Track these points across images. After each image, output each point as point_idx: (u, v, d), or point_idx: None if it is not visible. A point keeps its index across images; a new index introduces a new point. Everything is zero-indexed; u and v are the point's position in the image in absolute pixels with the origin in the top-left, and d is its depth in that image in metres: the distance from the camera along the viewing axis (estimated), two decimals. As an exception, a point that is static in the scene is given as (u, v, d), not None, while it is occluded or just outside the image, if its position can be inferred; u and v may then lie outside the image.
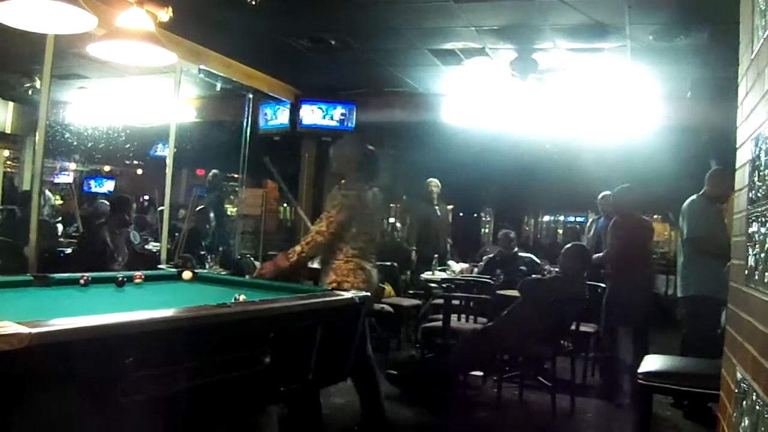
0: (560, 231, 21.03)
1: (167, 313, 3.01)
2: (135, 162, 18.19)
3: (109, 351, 2.62)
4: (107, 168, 19.04)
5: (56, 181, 17.17)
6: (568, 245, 6.85)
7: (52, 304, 3.59)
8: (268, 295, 4.12)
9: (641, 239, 7.28)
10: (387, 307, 8.17)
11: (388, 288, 9.08)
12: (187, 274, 4.86)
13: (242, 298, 3.58)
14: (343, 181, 5.41)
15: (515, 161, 12.59)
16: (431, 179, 10.67)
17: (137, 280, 4.45)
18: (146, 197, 16.73)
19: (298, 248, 5.10)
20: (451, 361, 6.49)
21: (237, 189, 12.87)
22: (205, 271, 5.15)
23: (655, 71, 8.83)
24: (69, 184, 17.17)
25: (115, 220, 7.71)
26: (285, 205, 16.06)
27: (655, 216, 19.29)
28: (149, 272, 4.79)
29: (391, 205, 15.14)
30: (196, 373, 3.05)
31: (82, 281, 4.17)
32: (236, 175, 12.72)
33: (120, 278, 4.31)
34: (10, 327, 2.28)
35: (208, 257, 7.99)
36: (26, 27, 4.25)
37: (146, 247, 9.62)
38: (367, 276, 5.18)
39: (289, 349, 3.70)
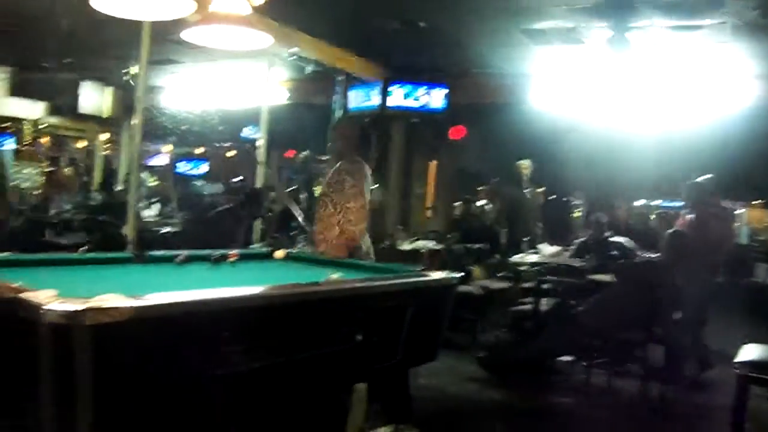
0: (653, 216, 20.57)
1: (261, 289, 3.07)
2: (226, 144, 18.51)
3: (206, 325, 2.70)
4: (199, 150, 19.44)
5: (150, 163, 17.62)
6: (670, 231, 6.71)
7: (151, 280, 3.69)
8: (359, 275, 4.16)
9: (711, 231, 7.01)
10: (476, 290, 8.14)
11: (476, 270, 9.05)
12: (279, 253, 4.94)
13: (334, 277, 3.62)
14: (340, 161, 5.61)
15: (607, 143, 12.33)
16: (522, 161, 10.53)
17: (231, 259, 4.54)
18: (238, 179, 17.06)
19: (353, 229, 5.27)
20: (540, 345, 6.43)
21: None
22: (297, 250, 5.20)
23: (755, 50, 8.52)
24: (163, 166, 17.64)
25: (246, 211, 7.75)
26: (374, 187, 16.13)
27: (755, 202, 18.68)
28: (243, 251, 4.89)
29: (479, 187, 15.03)
30: (288, 349, 3.12)
31: (178, 259, 4.28)
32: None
33: (215, 256, 4.41)
34: (113, 300, 2.37)
35: (299, 237, 8.08)
36: (124, 15, 4.39)
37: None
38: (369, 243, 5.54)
39: (379, 327, 3.75)
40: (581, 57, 9.38)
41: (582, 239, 8.54)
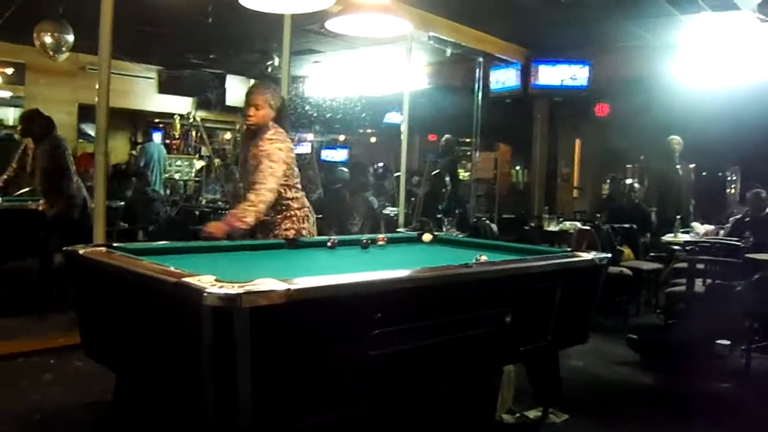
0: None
1: (413, 271, 3.11)
2: (368, 130, 18.73)
3: (359, 307, 2.77)
4: (342, 137, 19.76)
5: (295, 151, 17.99)
6: None
7: (303, 264, 3.81)
8: (507, 256, 4.14)
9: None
10: (626, 270, 7.93)
11: (626, 251, 8.81)
12: (427, 237, 4.98)
13: (483, 258, 3.62)
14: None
15: (764, 115, 11.71)
16: (672, 136, 10.13)
17: (380, 243, 4.63)
18: (380, 164, 17.25)
19: (251, 208, 4.36)
20: (695, 327, 6.20)
21: (469, 153, 12.97)
22: (444, 233, 5.22)
23: None
24: (308, 154, 18.03)
25: (353, 183, 8.04)
26: (517, 168, 16.02)
27: None
28: (391, 235, 4.96)
29: (628, 165, 14.64)
30: (439, 330, 3.15)
31: (329, 244, 4.39)
32: (468, 140, 12.84)
33: (364, 240, 4.50)
34: (269, 284, 2.46)
35: (445, 220, 8.11)
36: (267, 9, 4.51)
37: (384, 212, 9.94)
38: (313, 221, 4.95)
39: (528, 309, 3.73)
40: (734, 22, 8.89)
41: (738, 216, 8.17)
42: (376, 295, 2.83)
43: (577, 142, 13.07)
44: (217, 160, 15.28)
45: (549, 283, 3.85)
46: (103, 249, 3.38)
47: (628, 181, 11.97)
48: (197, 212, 10.30)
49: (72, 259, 3.36)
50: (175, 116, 13.88)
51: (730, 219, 8.25)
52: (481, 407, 4.22)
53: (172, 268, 2.78)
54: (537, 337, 3.90)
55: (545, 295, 3.84)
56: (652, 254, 9.00)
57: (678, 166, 10.16)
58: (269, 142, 4.63)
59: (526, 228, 9.84)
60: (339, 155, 19.29)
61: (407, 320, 2.96)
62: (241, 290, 2.35)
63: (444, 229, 7.75)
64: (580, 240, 7.50)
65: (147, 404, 3.38)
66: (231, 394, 2.40)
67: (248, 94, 4.77)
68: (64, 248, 3.43)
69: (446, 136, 11.63)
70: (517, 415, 4.44)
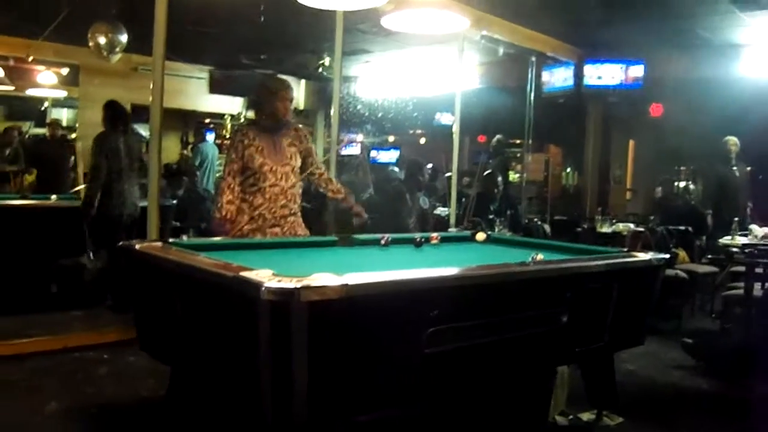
0: None
1: (470, 269, 3.08)
2: (418, 131, 18.67)
3: (416, 304, 2.74)
4: (391, 138, 19.76)
5: (343, 153, 18.04)
6: None
7: (357, 261, 3.81)
8: (563, 256, 4.08)
9: None
10: (681, 273, 7.80)
11: (681, 253, 8.66)
12: (480, 236, 4.95)
13: (540, 257, 3.57)
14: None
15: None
16: (729, 137, 9.93)
17: (434, 241, 4.60)
18: (429, 165, 17.22)
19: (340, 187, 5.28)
20: (754, 332, 6.06)
21: (518, 155, 12.87)
22: (497, 233, 5.18)
23: None
24: (359, 154, 18.05)
25: (410, 181, 8.02)
26: (568, 170, 15.82)
27: None
28: (444, 233, 4.94)
29: (681, 167, 14.38)
30: (495, 329, 3.12)
31: (382, 241, 4.38)
32: (518, 141, 12.76)
33: (418, 239, 4.47)
34: (327, 279, 2.44)
35: (497, 221, 8.05)
36: (324, 5, 4.50)
37: (435, 212, 9.91)
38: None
39: (585, 309, 3.67)
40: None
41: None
42: (433, 291, 2.81)
43: (631, 143, 12.89)
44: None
45: (606, 283, 3.78)
46: (160, 244, 3.41)
47: (681, 183, 11.71)
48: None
49: (128, 254, 3.40)
50: (226, 116, 13.95)
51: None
52: (534, 409, 4.16)
53: (229, 263, 2.78)
54: (593, 338, 3.84)
55: (602, 295, 3.78)
56: (709, 257, 8.83)
57: (735, 168, 9.96)
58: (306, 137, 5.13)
59: (579, 230, 9.72)
60: (389, 156, 19.28)
61: (463, 318, 2.93)
62: (298, 285, 2.34)
63: (496, 230, 7.69)
64: (634, 242, 7.42)
65: (201, 398, 3.40)
66: (287, 389, 2.39)
67: (287, 89, 4.96)
68: (121, 243, 3.46)
69: (497, 136, 11.56)
70: (571, 417, 4.40)
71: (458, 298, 2.90)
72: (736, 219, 8.67)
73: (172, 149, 13.73)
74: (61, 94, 10.92)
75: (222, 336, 2.76)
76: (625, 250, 4.42)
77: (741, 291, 6.62)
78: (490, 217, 8.20)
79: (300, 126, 5.25)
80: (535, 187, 13.67)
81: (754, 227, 8.34)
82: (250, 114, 13.54)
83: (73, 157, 10.19)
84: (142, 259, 3.30)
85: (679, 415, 4.86)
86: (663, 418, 4.71)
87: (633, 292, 4.01)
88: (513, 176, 13.27)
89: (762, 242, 7.65)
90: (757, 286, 6.51)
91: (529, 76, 10.61)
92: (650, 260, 4.07)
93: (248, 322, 2.45)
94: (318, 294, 2.36)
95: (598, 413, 4.43)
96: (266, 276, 2.43)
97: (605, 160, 12.31)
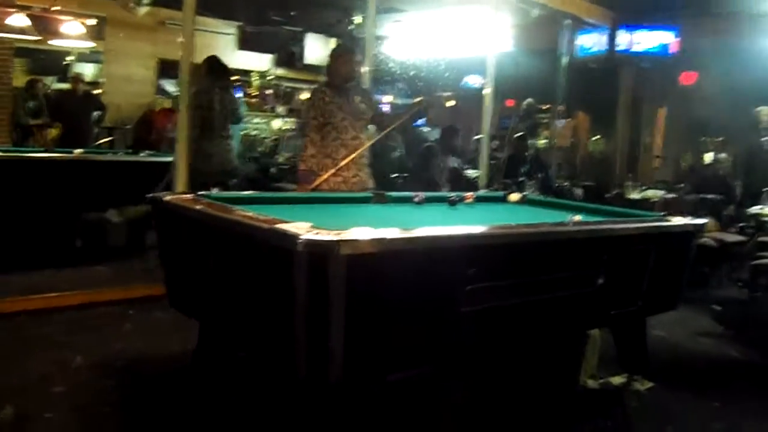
0: None
1: (510, 227, 3.00)
2: (445, 93, 18.46)
3: (455, 261, 2.69)
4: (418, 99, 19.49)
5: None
6: None
7: (392, 218, 3.75)
8: (599, 218, 4.01)
9: None
10: (710, 241, 7.69)
11: (710, 222, 8.53)
12: (514, 196, 4.90)
13: (578, 218, 3.50)
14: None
15: None
16: (762, 108, 9.73)
17: (468, 200, 4.54)
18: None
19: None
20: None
21: (545, 120, 12.70)
22: (532, 195, 5.11)
23: None
24: (388, 113, 17.87)
25: (444, 144, 7.94)
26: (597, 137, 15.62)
27: None
28: (479, 193, 4.87)
29: (707, 138, 14.12)
30: (533, 289, 3.06)
31: (416, 199, 4.32)
32: (546, 106, 12.59)
33: (453, 197, 4.42)
34: (364, 233, 2.39)
35: (527, 183, 7.97)
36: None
37: (465, 173, 9.85)
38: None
39: (621, 272, 3.61)
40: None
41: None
42: (472, 248, 2.74)
43: (661, 111, 12.69)
44: (291, 120, 15.24)
45: (643, 247, 3.72)
46: (190, 196, 3.35)
47: (709, 155, 11.42)
48: (273, 169, 10.33)
49: (157, 206, 3.34)
50: (253, 73, 13.82)
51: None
52: (565, 372, 4.12)
53: (264, 215, 2.72)
54: (628, 302, 3.78)
55: (639, 258, 3.72)
56: (741, 225, 8.69)
57: (765, 139, 9.76)
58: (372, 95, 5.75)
59: (608, 195, 9.61)
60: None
61: (501, 277, 2.87)
62: (338, 237, 2.28)
63: (528, 192, 7.61)
64: (665, 209, 7.26)
65: (231, 354, 3.37)
66: (323, 345, 2.33)
67: (353, 53, 5.58)
68: (148, 195, 3.39)
69: (528, 100, 11.44)
70: (601, 380, 4.36)
71: (497, 256, 2.84)
72: (765, 189, 8.51)
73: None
74: (87, 45, 10.81)
75: (255, 290, 2.71)
76: (662, 214, 4.30)
77: (770, 260, 6.55)
78: (521, 179, 8.12)
79: (366, 86, 5.82)
80: (562, 153, 13.55)
81: (783, 197, 8.17)
82: (280, 71, 13.52)
83: (97, 112, 10.12)
84: (171, 212, 3.23)
85: (709, 382, 4.81)
86: (693, 385, 4.65)
87: (669, 256, 3.94)
88: (541, 142, 13.14)
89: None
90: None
91: (563, 39, 10.42)
92: (687, 225, 3.99)
93: (284, 276, 2.38)
94: (358, 247, 2.30)
95: (629, 378, 4.38)
96: (304, 228, 2.37)
97: (636, 128, 12.14)
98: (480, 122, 8.56)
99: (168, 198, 3.25)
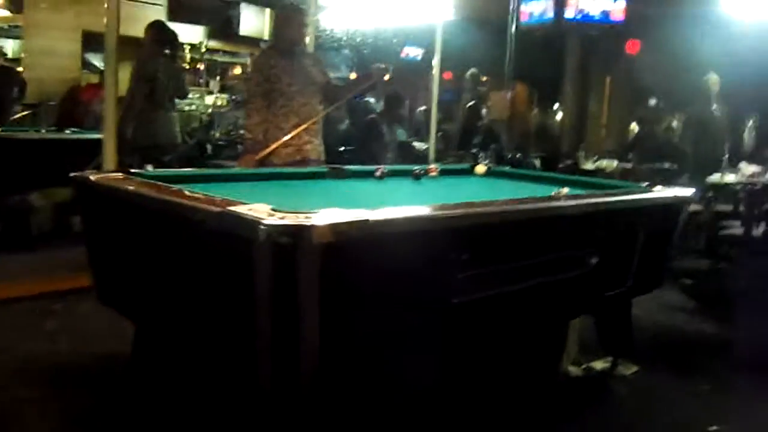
0: None
1: (508, 203, 2.57)
2: (382, 65, 18.10)
3: (440, 244, 2.27)
4: (353, 76, 19.28)
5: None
6: None
7: (354, 195, 3.34)
8: (580, 190, 3.65)
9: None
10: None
11: (665, 192, 8.33)
12: (480, 168, 4.54)
13: (565, 191, 3.12)
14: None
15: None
16: (710, 76, 9.50)
17: (432, 173, 4.16)
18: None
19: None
20: (752, 273, 5.73)
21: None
22: (498, 167, 4.74)
23: None
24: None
25: (388, 115, 7.49)
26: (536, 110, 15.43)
27: None
28: (443, 165, 4.49)
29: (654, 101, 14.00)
30: (531, 272, 2.69)
31: (378, 173, 3.91)
32: (484, 78, 12.28)
33: (417, 170, 4.02)
34: (339, 214, 1.95)
35: (481, 155, 7.61)
36: None
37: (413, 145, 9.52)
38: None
39: (614, 249, 3.28)
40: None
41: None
42: (467, 229, 2.30)
43: (608, 79, 12.49)
44: (224, 96, 14.71)
45: (636, 221, 3.37)
46: (120, 175, 2.82)
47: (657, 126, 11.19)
48: (209, 146, 9.80)
49: (83, 188, 2.79)
50: (185, 46, 13.15)
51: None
52: (548, 360, 3.78)
53: (213, 196, 2.23)
54: (619, 282, 3.44)
55: (630, 233, 3.36)
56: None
57: (714, 108, 9.57)
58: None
59: (561, 166, 9.36)
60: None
61: (498, 261, 2.47)
62: (308, 222, 1.81)
63: (482, 164, 7.27)
64: (625, 180, 6.99)
65: (176, 360, 2.86)
66: (292, 352, 1.90)
67: (301, 15, 5.20)
68: (73, 174, 2.85)
69: (471, 70, 11.08)
70: (584, 366, 4.08)
71: (495, 237, 2.45)
72: (726, 156, 8.33)
73: (126, 80, 12.88)
74: (3, 14, 10.14)
75: (204, 287, 2.22)
76: (645, 185, 3.94)
77: (736, 231, 6.32)
78: (473, 151, 7.75)
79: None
80: (502, 126, 13.30)
81: (742, 165, 7.97)
82: (214, 43, 12.92)
83: (17, 88, 9.46)
84: (99, 194, 2.69)
85: (692, 363, 4.53)
86: (676, 367, 4.36)
87: (658, 230, 3.61)
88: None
89: (750, 180, 7.30)
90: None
91: (511, 6, 10.05)
92: (679, 197, 3.67)
93: (241, 270, 1.93)
94: (334, 233, 1.84)
95: (613, 362, 4.11)
96: (264, 211, 1.91)
97: (583, 97, 11.93)
98: (421, 95, 8.21)
99: (95, 178, 2.69)
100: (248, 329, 1.98)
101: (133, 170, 2.96)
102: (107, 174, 2.83)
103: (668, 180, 8.42)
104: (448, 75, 15.18)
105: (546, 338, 3.63)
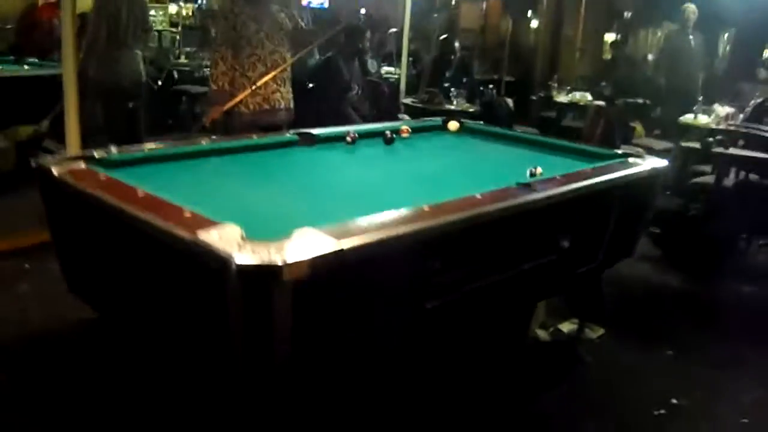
0: None
1: (475, 201, 2.50)
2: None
3: (418, 254, 2.24)
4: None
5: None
6: None
7: (325, 175, 3.21)
8: (554, 159, 3.70)
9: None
10: (640, 151, 7.39)
11: (638, 127, 8.31)
12: (453, 125, 4.48)
13: (539, 171, 3.07)
14: None
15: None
16: (688, 5, 9.35)
17: (404, 135, 4.07)
18: (363, 11, 16.38)
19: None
20: (723, 224, 5.74)
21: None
22: (470, 122, 4.63)
23: None
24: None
25: (346, 50, 7.18)
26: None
27: None
28: (414, 123, 4.40)
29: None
30: (501, 267, 2.70)
31: (348, 138, 3.79)
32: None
33: (388, 134, 3.90)
34: (314, 241, 1.90)
35: (453, 91, 7.47)
36: None
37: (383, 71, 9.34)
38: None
39: (585, 228, 3.25)
40: None
41: (759, 100, 7.56)
42: (437, 238, 2.26)
43: (583, 1, 12.28)
44: (190, 5, 14.10)
45: (610, 200, 3.33)
46: (82, 165, 2.67)
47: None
48: (175, 72, 9.51)
49: (45, 179, 2.65)
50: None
51: (751, 103, 7.65)
52: (516, 325, 3.78)
53: (183, 210, 2.14)
54: (590, 258, 3.43)
55: (602, 211, 3.34)
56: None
57: (691, 37, 9.47)
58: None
59: (534, 98, 9.31)
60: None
61: (468, 262, 2.47)
62: (280, 260, 1.76)
63: (454, 101, 7.14)
64: (597, 118, 6.95)
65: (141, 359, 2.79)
66: (266, 380, 1.91)
67: None
68: (33, 161, 2.71)
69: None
70: (551, 329, 4.11)
71: (464, 239, 2.41)
72: (700, 98, 8.26)
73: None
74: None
75: (174, 304, 2.17)
76: (620, 152, 3.88)
77: (707, 177, 6.32)
78: (446, 84, 7.60)
79: None
80: (472, 36, 13.07)
81: (716, 107, 7.91)
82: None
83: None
84: (63, 191, 2.57)
85: (655, 324, 4.58)
86: (640, 329, 4.41)
87: (633, 204, 3.58)
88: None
89: (725, 125, 7.26)
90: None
91: None
92: (656, 169, 3.63)
93: (212, 295, 1.89)
94: (306, 269, 1.80)
95: (580, 324, 4.13)
96: (235, 240, 1.85)
97: (558, 20, 11.74)
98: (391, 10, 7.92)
99: (57, 171, 2.55)
100: (218, 354, 1.97)
101: (95, 154, 2.82)
102: (69, 164, 2.67)
103: (640, 114, 8.49)
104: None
105: (515, 311, 3.62)
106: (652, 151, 7.38)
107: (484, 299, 2.67)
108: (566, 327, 4.14)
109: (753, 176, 6.27)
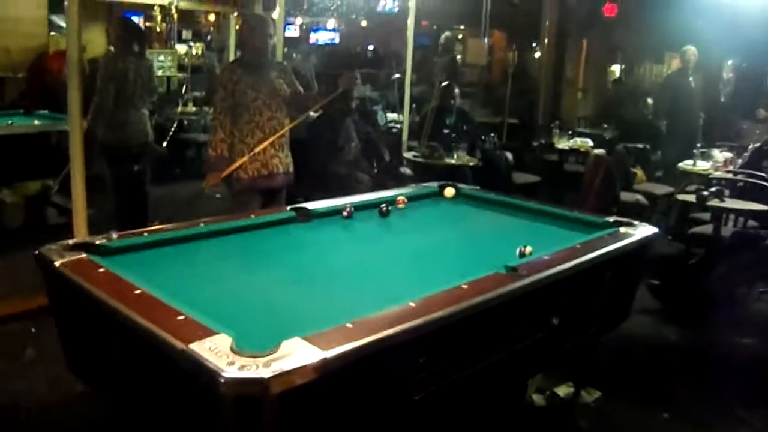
0: None
1: (460, 295, 2.57)
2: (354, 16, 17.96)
3: (403, 355, 2.29)
4: (331, 24, 19.13)
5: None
6: None
7: (321, 254, 3.30)
8: (545, 227, 3.82)
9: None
10: (641, 199, 7.49)
11: (639, 173, 8.38)
12: (449, 191, 4.58)
13: (528, 250, 3.13)
14: None
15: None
16: (688, 47, 9.43)
17: (400, 206, 4.17)
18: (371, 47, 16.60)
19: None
20: (719, 274, 5.79)
21: (460, 36, 12.28)
22: (467, 188, 4.71)
23: None
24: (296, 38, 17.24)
25: (336, 110, 6.82)
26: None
27: None
28: (410, 192, 4.48)
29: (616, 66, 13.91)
30: (487, 352, 2.75)
31: (344, 213, 3.88)
32: (461, 27, 12.14)
33: (383, 207, 3.98)
34: (299, 353, 1.99)
35: (453, 135, 7.55)
36: None
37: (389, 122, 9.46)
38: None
39: (575, 304, 3.30)
40: None
41: (757, 145, 7.62)
42: (421, 337, 2.32)
43: (584, 42, 12.41)
44: (199, 44, 14.30)
45: (600, 273, 3.39)
46: (84, 256, 2.75)
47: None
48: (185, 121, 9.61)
49: (47, 270, 2.73)
50: (156, 7, 12.71)
51: (749, 148, 7.73)
52: (510, 394, 3.82)
53: (177, 314, 2.21)
54: (582, 330, 3.49)
55: (593, 285, 3.40)
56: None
57: (691, 79, 9.57)
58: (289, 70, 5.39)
59: (536, 144, 9.39)
60: (328, 36, 18.75)
61: (454, 352, 2.54)
62: (267, 374, 1.85)
63: (454, 155, 7.20)
64: (597, 168, 6.99)
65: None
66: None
67: (265, 25, 5.12)
68: (37, 252, 2.80)
69: (446, 33, 11.07)
70: (547, 393, 4.14)
71: (450, 333, 2.47)
72: (699, 145, 8.33)
73: (97, 42, 12.17)
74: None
75: (167, 403, 2.25)
76: (611, 220, 3.92)
77: (706, 228, 6.38)
78: (446, 131, 7.67)
79: (282, 62, 5.61)
80: (477, 72, 13.22)
81: (715, 152, 8.00)
82: (184, 3, 12.51)
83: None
84: (64, 281, 2.62)
85: (651, 383, 4.62)
86: (635, 389, 4.47)
87: (623, 272, 3.64)
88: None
89: (723, 170, 7.33)
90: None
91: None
92: (646, 237, 3.70)
93: (203, 402, 1.97)
94: (291, 380, 1.88)
95: (576, 388, 4.18)
96: (224, 352, 1.93)
97: (559, 61, 11.87)
98: (398, 48, 8.00)
99: (58, 264, 2.65)
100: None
101: (98, 242, 2.92)
102: (71, 256, 2.74)
103: (641, 159, 8.56)
104: (424, 22, 15.11)
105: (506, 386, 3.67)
106: (653, 197, 7.52)
107: (472, 382, 2.72)
108: (562, 391, 4.17)
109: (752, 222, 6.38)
